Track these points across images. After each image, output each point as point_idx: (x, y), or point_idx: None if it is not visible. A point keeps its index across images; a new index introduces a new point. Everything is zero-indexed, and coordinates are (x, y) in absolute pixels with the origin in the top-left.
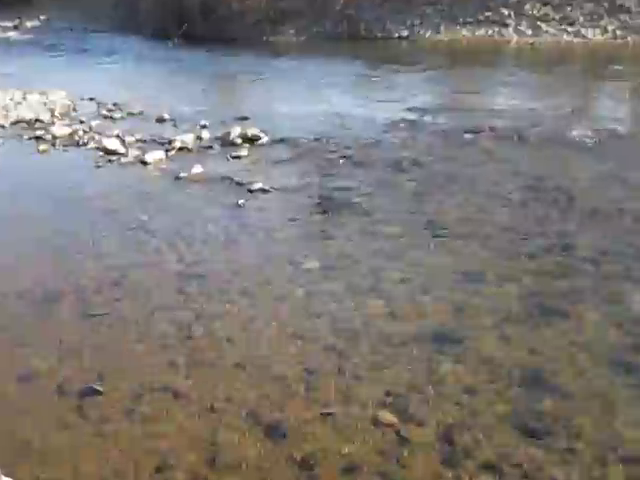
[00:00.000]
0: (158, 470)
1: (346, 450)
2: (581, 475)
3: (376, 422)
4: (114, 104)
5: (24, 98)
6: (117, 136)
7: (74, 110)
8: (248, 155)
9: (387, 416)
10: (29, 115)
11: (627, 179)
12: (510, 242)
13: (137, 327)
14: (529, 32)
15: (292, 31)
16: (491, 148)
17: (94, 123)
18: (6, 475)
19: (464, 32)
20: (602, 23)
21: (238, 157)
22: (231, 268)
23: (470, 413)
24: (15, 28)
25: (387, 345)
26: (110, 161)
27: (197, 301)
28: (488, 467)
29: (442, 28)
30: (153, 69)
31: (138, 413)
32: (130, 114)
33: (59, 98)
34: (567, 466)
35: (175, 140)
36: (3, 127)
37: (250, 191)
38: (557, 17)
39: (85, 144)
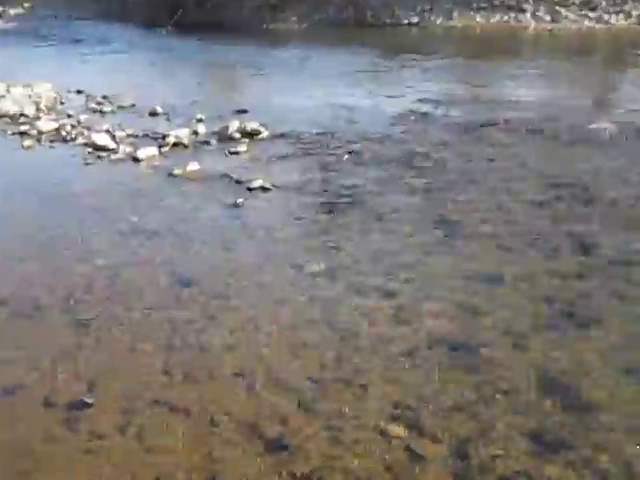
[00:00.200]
0: None
1: (352, 465)
2: None
3: (384, 435)
4: (103, 97)
5: (7, 91)
6: (107, 131)
7: (61, 103)
8: (247, 151)
9: (396, 429)
10: (13, 109)
11: None
12: (527, 242)
13: (129, 333)
14: (547, 18)
15: (294, 18)
16: (507, 142)
17: (82, 117)
18: None
19: (478, 18)
20: (626, 8)
21: (236, 153)
22: (229, 271)
23: (486, 426)
24: None
25: (396, 353)
26: (100, 157)
27: (192, 308)
28: None
29: (455, 14)
30: (145, 59)
31: (132, 426)
32: (121, 107)
33: (45, 91)
34: None
35: (169, 135)
36: None
37: (249, 189)
38: (577, 2)
39: (73, 140)
